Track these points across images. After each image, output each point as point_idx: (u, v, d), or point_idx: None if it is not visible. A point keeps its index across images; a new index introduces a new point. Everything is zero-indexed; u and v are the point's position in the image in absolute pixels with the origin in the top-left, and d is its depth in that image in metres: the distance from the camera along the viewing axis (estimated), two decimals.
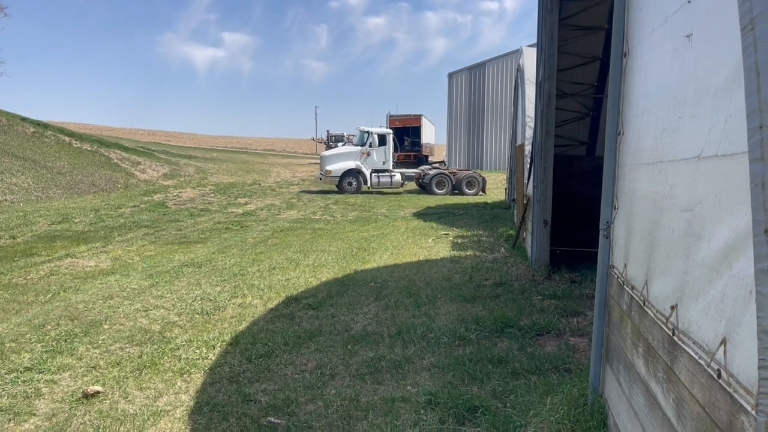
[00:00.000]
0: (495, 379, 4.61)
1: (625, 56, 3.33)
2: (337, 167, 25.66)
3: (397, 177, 26.41)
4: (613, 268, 3.46)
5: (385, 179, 26.19)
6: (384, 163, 26.41)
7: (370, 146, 26.06)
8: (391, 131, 27.44)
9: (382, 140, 26.32)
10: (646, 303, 2.65)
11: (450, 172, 26.79)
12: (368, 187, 26.06)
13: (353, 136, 62.43)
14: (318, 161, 32.72)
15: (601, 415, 3.50)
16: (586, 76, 12.62)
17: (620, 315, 3.22)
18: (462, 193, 25.56)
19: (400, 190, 27.34)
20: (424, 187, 26.73)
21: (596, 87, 12.86)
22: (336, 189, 26.06)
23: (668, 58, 2.44)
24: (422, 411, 4.04)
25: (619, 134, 3.39)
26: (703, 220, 1.97)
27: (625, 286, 3.11)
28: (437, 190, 25.75)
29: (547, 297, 7.18)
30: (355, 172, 25.78)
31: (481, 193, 25.84)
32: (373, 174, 26.01)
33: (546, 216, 8.48)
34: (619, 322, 3.26)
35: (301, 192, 25.73)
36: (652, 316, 2.52)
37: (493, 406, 4.07)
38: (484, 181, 26.30)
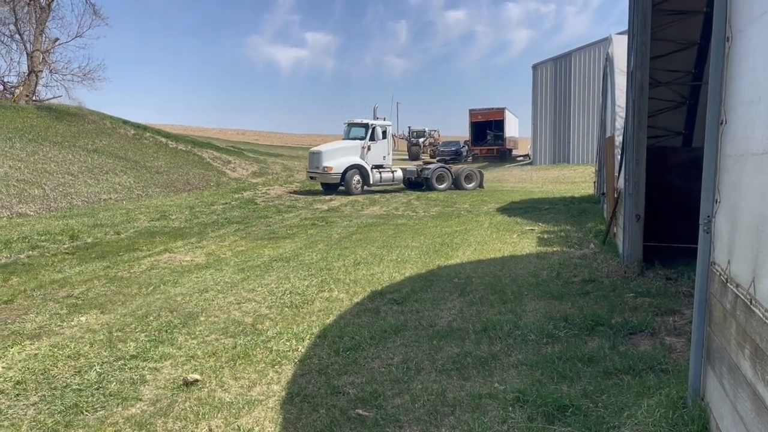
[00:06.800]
0: (586, 378, 4.49)
1: (727, 41, 3.15)
2: (340, 163, 22.97)
3: (399, 173, 24.75)
4: (715, 264, 3.28)
5: (387, 175, 24.31)
6: (384, 158, 24.42)
7: (371, 140, 23.89)
8: (390, 123, 25.23)
9: (383, 134, 24.34)
10: (753, 302, 2.50)
11: (447, 167, 25.98)
12: (368, 185, 24.00)
13: (435, 131, 62.56)
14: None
15: (702, 419, 3.33)
16: (682, 62, 11.96)
17: (723, 314, 3.06)
18: (460, 188, 24.82)
19: (400, 186, 25.62)
20: (419, 184, 25.13)
21: (693, 74, 12.16)
22: (324, 188, 23.61)
23: None
24: (510, 408, 4.00)
25: (722, 123, 3.21)
26: None
27: (728, 284, 2.94)
28: (437, 185, 24.57)
29: (641, 294, 6.89)
30: (358, 169, 23.45)
31: (479, 188, 25.30)
32: (375, 170, 23.95)
33: (638, 210, 8.13)
34: (721, 322, 3.09)
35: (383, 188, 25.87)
36: (761, 315, 2.38)
37: (584, 406, 3.96)
38: (481, 175, 25.97)
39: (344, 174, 22.97)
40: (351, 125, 25.02)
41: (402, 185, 25.48)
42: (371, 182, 23.79)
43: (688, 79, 12.33)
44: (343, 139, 25.03)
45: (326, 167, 22.79)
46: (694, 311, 3.53)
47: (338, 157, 23.14)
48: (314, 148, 24.41)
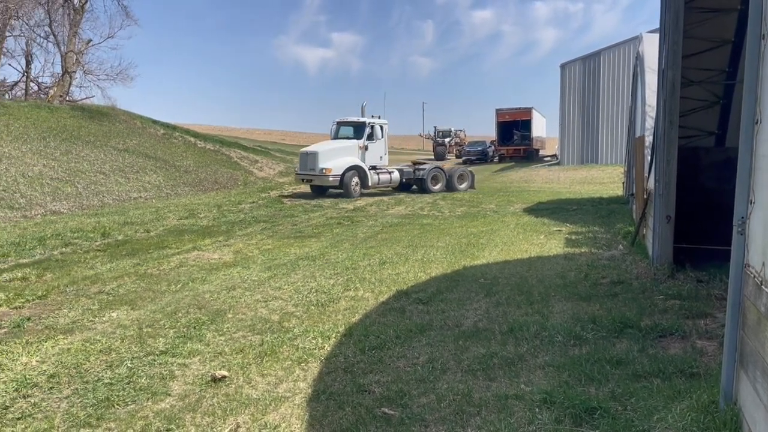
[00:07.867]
0: (614, 381, 4.43)
1: (763, 38, 3.08)
2: (339, 164, 21.22)
3: (396, 174, 23.40)
4: (749, 267, 3.21)
5: (384, 176, 22.91)
6: (381, 158, 23.02)
7: (368, 139, 22.38)
8: (387, 122, 23.77)
9: (381, 132, 23.08)
10: None
11: (441, 168, 25.51)
12: (366, 188, 22.43)
13: (461, 131, 62.30)
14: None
15: (734, 423, 3.27)
16: (715, 61, 11.71)
17: (757, 317, 2.99)
18: (453, 188, 24.40)
19: (391, 189, 24.58)
20: (409, 185, 24.35)
21: (727, 73, 11.90)
22: (314, 191, 22.21)
23: None
24: (537, 410, 3.96)
25: (757, 122, 3.14)
26: None
27: (763, 287, 2.88)
28: (432, 187, 23.82)
29: (671, 297, 6.78)
30: (356, 170, 21.81)
31: (471, 188, 25.19)
32: (372, 171, 22.38)
33: (669, 211, 8.00)
34: (755, 325, 3.03)
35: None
36: None
37: (613, 409, 3.91)
38: (472, 175, 25.98)
39: (342, 176, 21.28)
40: (341, 124, 23.42)
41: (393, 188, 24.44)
42: (369, 184, 22.32)
43: (721, 77, 12.06)
44: (332, 138, 23.34)
45: (324, 169, 21.01)
46: (727, 314, 3.47)
47: (336, 157, 21.42)
48: (307, 148, 22.59)
